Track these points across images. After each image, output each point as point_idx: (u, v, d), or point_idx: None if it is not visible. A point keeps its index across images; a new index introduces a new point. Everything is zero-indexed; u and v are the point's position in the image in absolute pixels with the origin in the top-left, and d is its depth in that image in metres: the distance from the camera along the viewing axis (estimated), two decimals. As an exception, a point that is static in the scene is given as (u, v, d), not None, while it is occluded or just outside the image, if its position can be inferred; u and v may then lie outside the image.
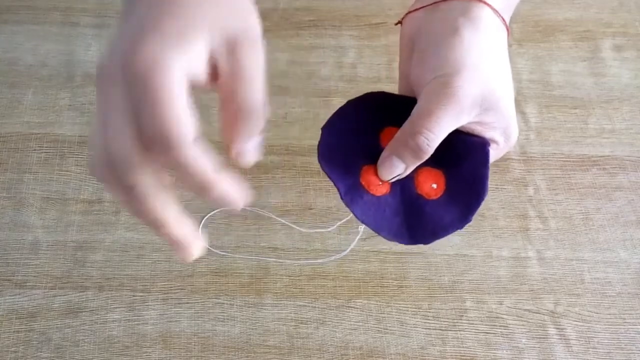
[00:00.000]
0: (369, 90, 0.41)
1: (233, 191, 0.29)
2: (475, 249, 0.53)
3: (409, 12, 0.41)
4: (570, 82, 0.63)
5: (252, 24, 0.31)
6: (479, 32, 0.37)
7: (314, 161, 0.42)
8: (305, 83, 0.62)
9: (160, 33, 0.28)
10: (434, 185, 0.38)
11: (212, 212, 0.53)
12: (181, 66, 0.28)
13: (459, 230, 0.38)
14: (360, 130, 0.39)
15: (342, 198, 0.37)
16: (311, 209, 0.54)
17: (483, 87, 0.36)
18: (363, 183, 0.38)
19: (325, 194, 0.55)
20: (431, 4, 0.40)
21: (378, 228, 0.38)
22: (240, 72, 0.30)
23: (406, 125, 0.36)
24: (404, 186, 0.38)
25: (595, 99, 0.62)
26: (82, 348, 0.47)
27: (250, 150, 0.30)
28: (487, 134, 0.38)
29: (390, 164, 0.37)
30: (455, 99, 0.35)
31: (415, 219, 0.38)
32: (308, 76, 0.62)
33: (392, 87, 0.45)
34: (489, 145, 0.38)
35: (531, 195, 0.56)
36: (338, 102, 0.42)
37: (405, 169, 0.37)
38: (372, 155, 0.38)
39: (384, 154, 0.37)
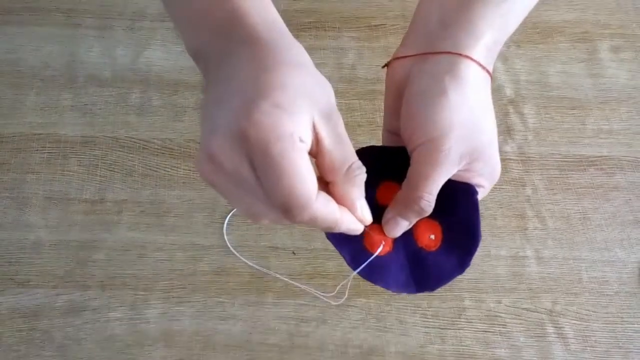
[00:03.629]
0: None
1: (354, 222, 0.35)
2: (474, 248, 0.53)
3: (397, 58, 0.43)
4: (568, 83, 0.64)
5: (333, 97, 0.35)
6: (466, 90, 0.39)
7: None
8: (306, 84, 0.62)
9: (271, 102, 0.31)
10: (432, 237, 0.41)
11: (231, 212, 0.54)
12: (296, 131, 0.31)
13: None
14: None
15: (349, 264, 0.40)
16: (311, 208, 0.55)
17: (471, 142, 0.39)
18: (367, 246, 0.40)
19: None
20: (419, 55, 0.41)
21: (387, 285, 0.40)
22: (340, 137, 0.34)
23: (407, 189, 0.39)
24: (405, 242, 0.41)
25: (593, 100, 0.63)
26: (85, 346, 0.48)
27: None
28: (474, 180, 0.40)
29: (396, 224, 0.40)
30: (448, 160, 0.38)
31: (419, 271, 0.41)
32: (308, 77, 0.62)
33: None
34: (477, 193, 0.40)
35: (529, 195, 0.57)
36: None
37: (409, 225, 0.40)
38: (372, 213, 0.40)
39: (388, 215, 0.40)
